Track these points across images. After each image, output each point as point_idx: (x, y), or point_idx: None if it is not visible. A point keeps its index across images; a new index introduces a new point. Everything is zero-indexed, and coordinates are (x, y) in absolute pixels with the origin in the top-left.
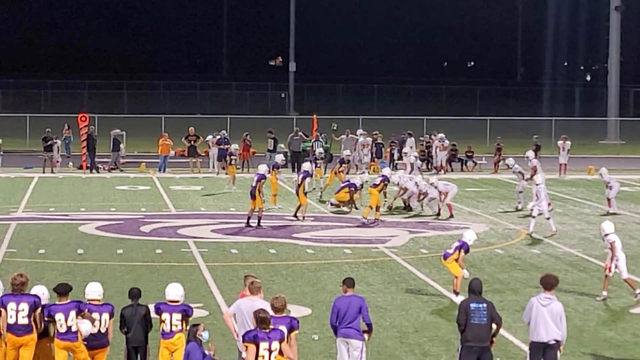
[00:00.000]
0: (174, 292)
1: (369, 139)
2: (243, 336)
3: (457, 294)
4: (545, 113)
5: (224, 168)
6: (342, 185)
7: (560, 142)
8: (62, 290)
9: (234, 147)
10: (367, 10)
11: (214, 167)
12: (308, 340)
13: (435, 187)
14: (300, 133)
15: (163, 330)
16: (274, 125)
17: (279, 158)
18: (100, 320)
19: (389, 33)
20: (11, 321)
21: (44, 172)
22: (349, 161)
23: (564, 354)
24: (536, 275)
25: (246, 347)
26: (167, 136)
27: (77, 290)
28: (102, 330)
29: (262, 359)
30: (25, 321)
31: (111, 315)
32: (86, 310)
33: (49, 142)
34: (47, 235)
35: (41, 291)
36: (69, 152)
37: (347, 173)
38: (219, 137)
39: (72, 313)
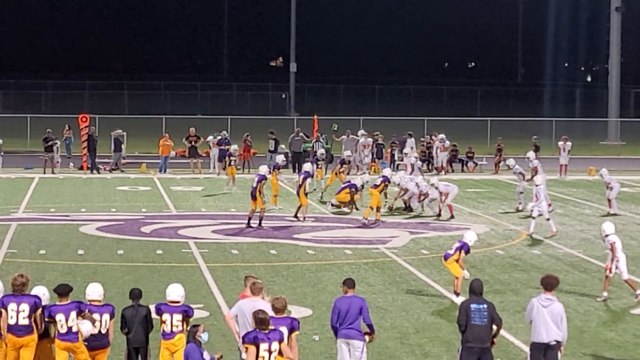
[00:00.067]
0: (175, 292)
1: (370, 140)
2: (243, 337)
3: (457, 294)
4: (546, 114)
5: (224, 169)
6: (343, 186)
7: (560, 143)
8: (62, 290)
9: (233, 147)
10: (367, 11)
11: (214, 167)
12: (309, 341)
13: (436, 188)
14: (301, 134)
15: (164, 331)
16: (274, 125)
17: (280, 159)
18: (100, 321)
19: (389, 34)
20: (12, 322)
21: (44, 173)
22: (349, 162)
23: (564, 354)
24: (537, 276)
25: (246, 348)
26: (167, 137)
27: (77, 290)
28: (103, 331)
29: (262, 359)
30: (25, 322)
31: (112, 316)
32: (87, 311)
33: (49, 143)
34: (48, 235)
35: (42, 292)
36: (70, 153)
37: (348, 174)
38: (219, 137)
39: (73, 314)
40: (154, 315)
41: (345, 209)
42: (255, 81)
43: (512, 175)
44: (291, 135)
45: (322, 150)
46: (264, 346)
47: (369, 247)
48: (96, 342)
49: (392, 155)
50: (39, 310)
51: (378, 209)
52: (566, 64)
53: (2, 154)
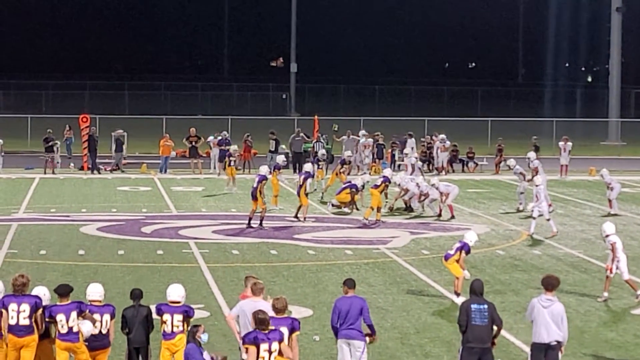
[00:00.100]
0: (175, 293)
1: (370, 140)
2: (243, 338)
3: (458, 295)
4: (547, 114)
5: (224, 169)
6: (344, 186)
7: (561, 143)
8: (63, 291)
9: (233, 148)
10: (368, 11)
11: (215, 168)
12: (309, 341)
13: (437, 188)
14: (301, 134)
15: (164, 331)
16: (275, 126)
17: (280, 159)
18: (101, 321)
19: (390, 34)
20: (12, 322)
21: (45, 173)
22: (350, 162)
23: (565, 355)
24: (537, 276)
25: (246, 348)
26: (168, 137)
27: (78, 291)
28: (103, 331)
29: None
30: (26, 322)
31: (112, 316)
32: (87, 311)
33: (50, 143)
34: (48, 236)
35: (42, 292)
36: (70, 153)
37: (349, 174)
38: (220, 138)
39: (73, 314)
40: (154, 315)
41: (346, 209)
42: (256, 81)
43: (513, 176)
44: (292, 135)
45: (323, 151)
46: (264, 346)
47: (370, 247)
48: (97, 343)
49: (393, 156)
50: (40, 311)
51: (378, 209)
52: (567, 64)
53: (3, 154)
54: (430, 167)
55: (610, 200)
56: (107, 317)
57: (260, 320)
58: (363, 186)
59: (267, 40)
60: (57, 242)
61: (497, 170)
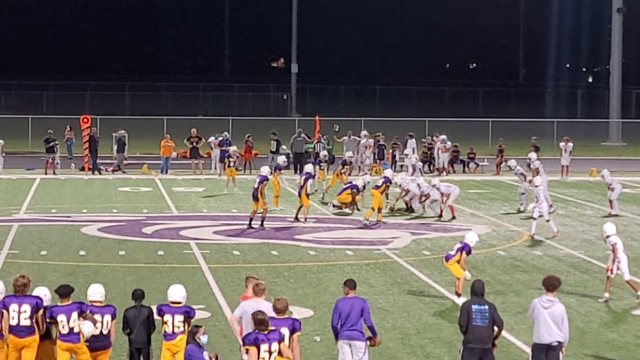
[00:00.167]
0: (176, 293)
1: (371, 141)
2: (243, 339)
3: (459, 295)
4: (548, 115)
5: (224, 170)
6: (344, 186)
7: (562, 144)
8: (64, 291)
9: (232, 149)
10: (368, 12)
11: (216, 168)
12: (310, 341)
13: (437, 189)
14: (303, 135)
15: (165, 331)
16: (276, 126)
17: (281, 159)
18: (102, 322)
19: (390, 35)
20: (13, 322)
21: (46, 174)
22: (351, 163)
23: (566, 355)
24: (538, 276)
25: (247, 349)
26: (169, 138)
27: (79, 291)
28: (104, 332)
29: None
30: (27, 323)
31: (113, 317)
32: (88, 312)
33: (50, 144)
34: (49, 236)
35: (43, 292)
36: (71, 154)
37: (349, 175)
38: (221, 138)
39: (74, 314)
40: (155, 316)
41: (347, 210)
42: (257, 82)
43: (514, 176)
44: (293, 136)
45: (325, 152)
46: (264, 347)
47: (371, 248)
48: (97, 343)
49: (394, 156)
50: (41, 311)
51: (379, 210)
52: (568, 65)
53: (4, 154)
54: (431, 168)
55: (611, 201)
56: (107, 317)
57: (259, 321)
58: (364, 187)
59: (268, 41)
60: (58, 242)
61: (497, 171)
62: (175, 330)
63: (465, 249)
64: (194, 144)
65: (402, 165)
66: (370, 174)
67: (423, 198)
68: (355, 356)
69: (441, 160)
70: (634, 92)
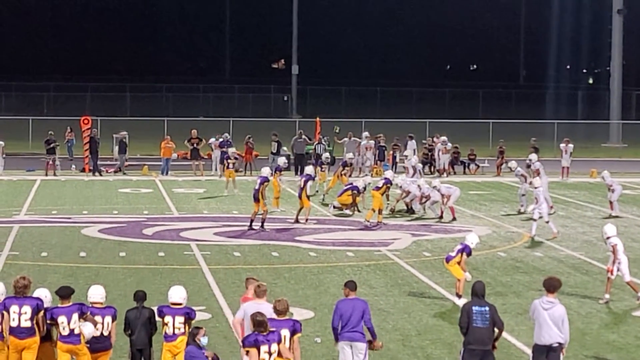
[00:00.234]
0: (177, 294)
1: (372, 142)
2: (243, 341)
3: (459, 296)
4: (548, 116)
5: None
6: (345, 188)
7: (562, 145)
8: (64, 293)
9: (231, 151)
10: (369, 13)
11: (216, 169)
12: (311, 343)
13: (438, 190)
14: (304, 136)
15: (166, 333)
16: (276, 128)
17: (281, 161)
18: (102, 324)
19: (390, 35)
20: (14, 324)
21: (46, 175)
22: (351, 164)
23: (566, 357)
24: (539, 278)
25: (247, 351)
26: (169, 139)
27: (79, 293)
28: (105, 334)
29: None
30: (28, 324)
31: (114, 318)
32: (89, 313)
33: (51, 145)
34: (50, 238)
35: (44, 294)
36: (72, 155)
37: (350, 176)
38: (221, 139)
39: (75, 316)
40: (156, 317)
41: (347, 211)
42: (257, 83)
43: (514, 178)
44: (294, 137)
45: (327, 154)
46: (264, 348)
47: (371, 249)
48: (98, 345)
49: (394, 158)
50: (41, 313)
51: (380, 211)
52: (568, 66)
53: (4, 156)
54: (432, 169)
55: (611, 202)
56: (108, 319)
57: (258, 322)
58: (364, 188)
59: (269, 42)
60: (58, 244)
61: (498, 172)
62: (176, 331)
63: (466, 250)
64: (195, 145)
65: (404, 167)
66: (371, 175)
67: (423, 199)
68: (356, 357)
69: (442, 162)
70: (635, 93)
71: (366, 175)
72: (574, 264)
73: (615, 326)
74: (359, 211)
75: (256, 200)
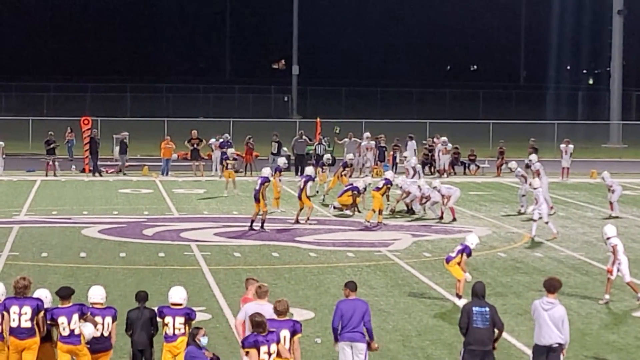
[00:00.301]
0: (177, 295)
1: (372, 143)
2: (243, 342)
3: (460, 297)
4: (548, 116)
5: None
6: (345, 188)
7: (562, 146)
8: (64, 293)
9: (230, 151)
10: (369, 13)
11: (216, 170)
12: (311, 343)
13: (438, 191)
14: (304, 136)
15: (166, 333)
16: (277, 128)
17: (281, 161)
18: (102, 324)
19: (391, 36)
20: (14, 324)
21: (46, 175)
22: (352, 164)
23: (566, 357)
24: (539, 278)
25: (247, 352)
26: (169, 139)
27: (79, 293)
28: (105, 334)
29: None
30: (28, 324)
31: (114, 319)
32: (89, 314)
33: (51, 145)
34: (50, 238)
35: (44, 294)
36: (72, 155)
37: (350, 176)
38: (221, 140)
39: (75, 316)
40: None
41: (348, 212)
42: (258, 84)
43: (514, 178)
44: (294, 137)
45: (329, 155)
46: (264, 349)
47: (371, 249)
48: (98, 345)
49: (394, 158)
50: (42, 313)
51: (380, 212)
52: (568, 67)
53: (4, 156)
54: (432, 170)
55: (611, 203)
56: (108, 319)
57: (257, 323)
58: (365, 188)
59: (269, 42)
60: (58, 244)
61: (498, 173)
62: (176, 332)
63: (466, 250)
64: (195, 145)
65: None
66: (371, 176)
67: (424, 200)
68: (356, 358)
69: (442, 162)
70: (635, 94)
71: (366, 175)
72: (574, 264)
73: (615, 327)
74: (359, 212)
75: (257, 200)
